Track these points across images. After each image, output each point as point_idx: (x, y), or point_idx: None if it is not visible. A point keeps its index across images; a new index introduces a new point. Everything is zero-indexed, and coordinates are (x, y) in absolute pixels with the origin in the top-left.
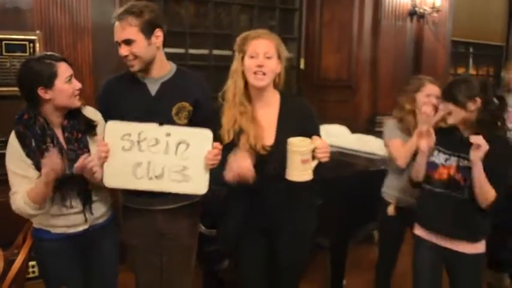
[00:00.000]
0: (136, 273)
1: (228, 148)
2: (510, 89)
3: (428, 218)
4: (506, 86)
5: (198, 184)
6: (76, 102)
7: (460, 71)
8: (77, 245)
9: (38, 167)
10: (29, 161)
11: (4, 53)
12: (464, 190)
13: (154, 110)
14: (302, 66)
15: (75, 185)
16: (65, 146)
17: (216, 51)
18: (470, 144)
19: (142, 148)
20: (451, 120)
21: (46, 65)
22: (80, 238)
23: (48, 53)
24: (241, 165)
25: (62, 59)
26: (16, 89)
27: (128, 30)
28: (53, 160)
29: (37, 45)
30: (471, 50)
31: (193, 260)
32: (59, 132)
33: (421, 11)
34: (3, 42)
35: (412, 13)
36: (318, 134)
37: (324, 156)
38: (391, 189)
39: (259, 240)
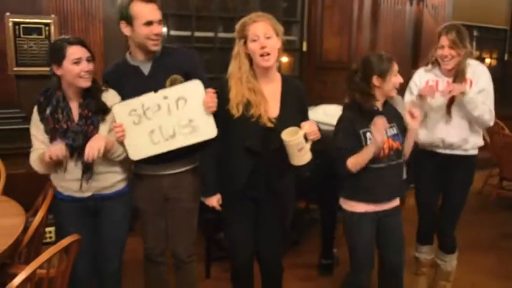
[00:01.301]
0: (143, 235)
1: (238, 122)
2: (434, 62)
3: (373, 193)
4: (431, 60)
5: (207, 129)
6: (82, 83)
7: None
8: (86, 208)
9: (47, 132)
10: (41, 126)
11: (22, 36)
12: (402, 153)
13: (150, 86)
14: (305, 48)
15: (75, 153)
16: (75, 119)
17: (221, 34)
18: (385, 114)
19: (149, 117)
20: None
21: (59, 46)
22: (87, 203)
23: (67, 36)
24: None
25: (76, 43)
26: (32, 68)
27: (159, 12)
28: (56, 148)
29: (52, 28)
30: (475, 33)
31: (196, 221)
32: (74, 107)
33: None
34: (21, 25)
35: None
36: (306, 109)
37: (315, 137)
38: None
39: (249, 205)
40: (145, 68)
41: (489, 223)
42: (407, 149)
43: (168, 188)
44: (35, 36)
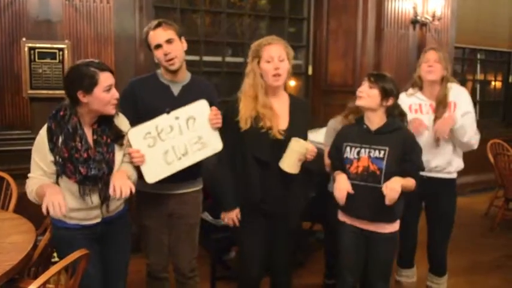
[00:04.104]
0: (147, 251)
1: (247, 134)
2: (418, 85)
3: (350, 207)
4: (416, 84)
5: (214, 143)
6: (110, 110)
7: (468, 77)
8: (91, 234)
9: (57, 162)
10: (50, 157)
11: (37, 60)
12: (381, 179)
13: (177, 107)
14: (310, 72)
15: (97, 185)
16: (92, 147)
17: (228, 59)
18: (378, 134)
19: (163, 138)
20: (362, 102)
21: (90, 72)
22: (93, 229)
23: (97, 60)
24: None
25: (106, 69)
26: (45, 91)
27: (168, 31)
28: (55, 198)
29: (66, 53)
30: (479, 56)
31: (197, 237)
32: (88, 133)
33: (423, 19)
34: (36, 50)
35: (415, 21)
36: (307, 127)
37: (310, 158)
38: None
39: (262, 220)
40: (175, 90)
41: (495, 244)
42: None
43: (173, 205)
44: (48, 60)
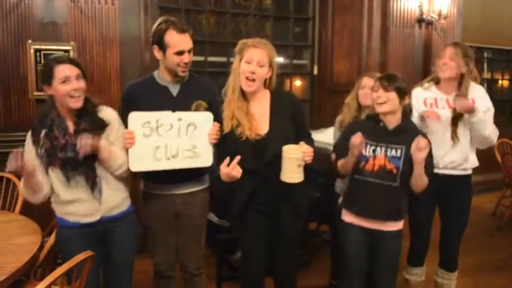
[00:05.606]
0: (154, 250)
1: (228, 138)
2: (437, 79)
3: (360, 206)
4: (434, 78)
5: (205, 158)
6: (71, 103)
7: None
8: (92, 234)
9: (41, 153)
10: (33, 150)
11: (42, 62)
12: (397, 178)
13: (177, 107)
14: (315, 72)
15: (78, 167)
16: (71, 134)
17: (233, 59)
18: (395, 133)
19: (160, 133)
20: (386, 108)
21: (48, 66)
22: (94, 228)
23: (57, 54)
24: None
25: (64, 61)
26: None
27: (191, 41)
28: (15, 158)
29: (71, 54)
30: (485, 55)
31: (204, 238)
32: (70, 125)
33: (429, 18)
34: (42, 52)
35: (420, 20)
36: (304, 120)
37: (309, 159)
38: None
39: (262, 221)
40: (174, 90)
41: (502, 244)
42: (415, 182)
43: (180, 205)
44: None
